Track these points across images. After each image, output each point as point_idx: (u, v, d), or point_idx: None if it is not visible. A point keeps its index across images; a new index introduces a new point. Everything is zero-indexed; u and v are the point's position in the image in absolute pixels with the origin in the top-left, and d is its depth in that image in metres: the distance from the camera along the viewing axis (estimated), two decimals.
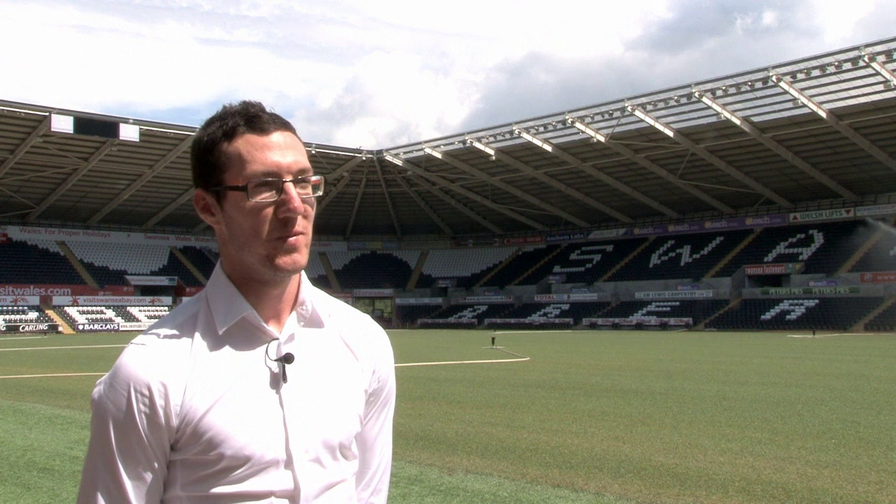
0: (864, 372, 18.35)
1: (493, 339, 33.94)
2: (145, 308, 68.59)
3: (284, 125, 1.28)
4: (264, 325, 1.28)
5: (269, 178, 1.23)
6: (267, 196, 1.23)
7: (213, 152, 1.26)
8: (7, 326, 59.39)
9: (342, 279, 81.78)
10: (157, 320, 1.33)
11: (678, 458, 7.71)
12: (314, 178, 1.28)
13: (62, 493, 6.37)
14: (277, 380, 1.26)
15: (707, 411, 11.24)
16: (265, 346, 1.27)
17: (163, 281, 72.39)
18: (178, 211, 74.39)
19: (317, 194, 1.29)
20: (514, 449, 8.25)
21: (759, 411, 11.21)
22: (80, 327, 62.55)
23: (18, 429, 9.75)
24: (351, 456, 1.33)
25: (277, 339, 1.28)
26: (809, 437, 8.94)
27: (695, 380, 16.36)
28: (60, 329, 61.39)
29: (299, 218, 1.24)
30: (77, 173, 63.51)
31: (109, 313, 66.29)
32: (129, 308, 67.84)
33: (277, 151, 1.24)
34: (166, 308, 69.43)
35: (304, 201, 1.25)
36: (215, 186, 1.26)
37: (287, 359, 1.26)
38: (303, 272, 1.33)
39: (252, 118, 1.25)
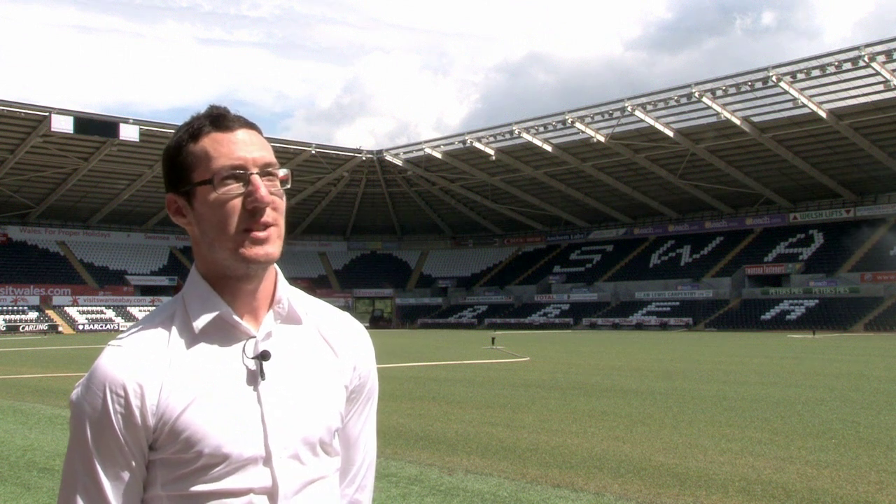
0: (864, 372, 18.35)
1: (493, 339, 33.94)
2: (145, 308, 68.49)
3: (249, 124, 1.30)
4: (241, 322, 1.28)
5: (236, 171, 1.24)
6: (233, 187, 1.24)
7: (181, 154, 1.28)
8: (7, 326, 59.40)
9: (342, 279, 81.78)
10: (135, 322, 1.34)
11: (678, 458, 7.71)
12: (281, 173, 1.29)
13: None
14: (255, 377, 1.26)
15: (707, 411, 11.24)
16: (242, 343, 1.28)
17: (163, 281, 72.41)
18: None
19: (285, 188, 1.30)
20: (514, 449, 8.25)
21: (759, 411, 11.21)
22: (80, 327, 62.56)
23: (18, 429, 9.75)
24: (333, 452, 1.32)
25: (254, 336, 1.28)
26: (809, 437, 8.94)
27: (695, 380, 16.36)
28: (60, 329, 61.40)
29: (268, 209, 1.25)
30: (77, 173, 63.53)
31: (109, 313, 66.29)
32: (129, 308, 67.83)
33: (242, 146, 1.26)
34: None
35: (272, 194, 1.26)
36: (184, 186, 1.27)
37: (264, 356, 1.26)
38: (279, 271, 1.34)
39: (216, 118, 1.28)
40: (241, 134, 1.27)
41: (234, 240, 1.24)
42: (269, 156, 1.28)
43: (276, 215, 1.27)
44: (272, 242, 1.26)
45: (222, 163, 1.24)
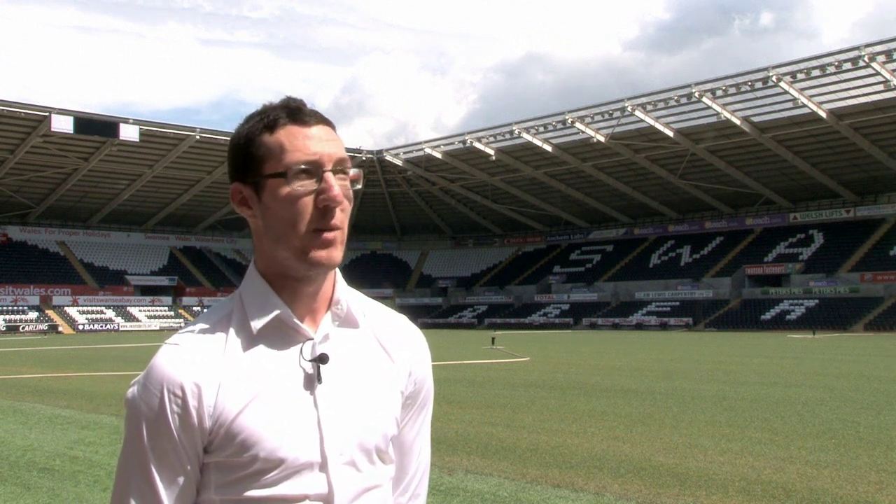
0: (864, 372, 18.35)
1: (493, 339, 33.93)
2: (145, 308, 68.57)
3: (325, 120, 1.27)
4: (299, 324, 1.25)
5: (310, 167, 1.21)
6: (307, 184, 1.21)
7: (254, 143, 1.24)
8: (7, 326, 59.37)
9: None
10: (192, 320, 1.31)
11: (678, 458, 7.71)
12: (353, 172, 1.27)
13: (62, 493, 6.37)
14: (312, 380, 1.23)
15: (707, 411, 11.24)
16: (300, 346, 1.25)
17: (163, 281, 72.37)
18: (178, 211, 74.41)
19: (356, 188, 1.27)
20: (514, 449, 8.25)
21: (759, 411, 11.21)
22: (80, 327, 62.53)
23: (18, 429, 9.75)
24: (388, 460, 1.30)
25: (312, 339, 1.25)
26: (809, 437, 8.94)
27: (695, 380, 16.36)
28: (60, 329, 61.37)
29: (337, 210, 1.22)
30: (77, 173, 63.50)
31: (109, 313, 66.27)
32: (129, 308, 67.82)
33: (318, 141, 1.23)
34: (166, 308, 69.53)
35: (343, 193, 1.24)
36: (254, 177, 1.24)
37: (322, 359, 1.23)
38: (338, 271, 1.31)
39: (294, 111, 1.25)
40: (317, 129, 1.24)
41: (301, 239, 1.21)
42: (342, 153, 1.25)
43: (343, 217, 1.24)
44: (336, 247, 1.23)
45: (297, 157, 1.21)
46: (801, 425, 9.86)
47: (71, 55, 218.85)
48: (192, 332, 1.25)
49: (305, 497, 1.19)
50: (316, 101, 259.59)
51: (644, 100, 54.77)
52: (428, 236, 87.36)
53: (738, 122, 54.03)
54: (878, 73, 46.04)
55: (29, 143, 56.96)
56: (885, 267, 56.60)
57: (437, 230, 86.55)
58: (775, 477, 6.85)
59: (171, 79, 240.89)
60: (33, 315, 62.78)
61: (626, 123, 57.21)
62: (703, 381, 16.13)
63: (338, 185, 1.22)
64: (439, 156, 67.47)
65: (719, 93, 51.54)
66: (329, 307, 1.29)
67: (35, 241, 70.45)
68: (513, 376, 17.52)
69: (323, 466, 1.20)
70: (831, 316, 54.50)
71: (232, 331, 1.24)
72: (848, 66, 45.98)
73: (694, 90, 51.62)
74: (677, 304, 63.81)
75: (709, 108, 52.97)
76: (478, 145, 63.62)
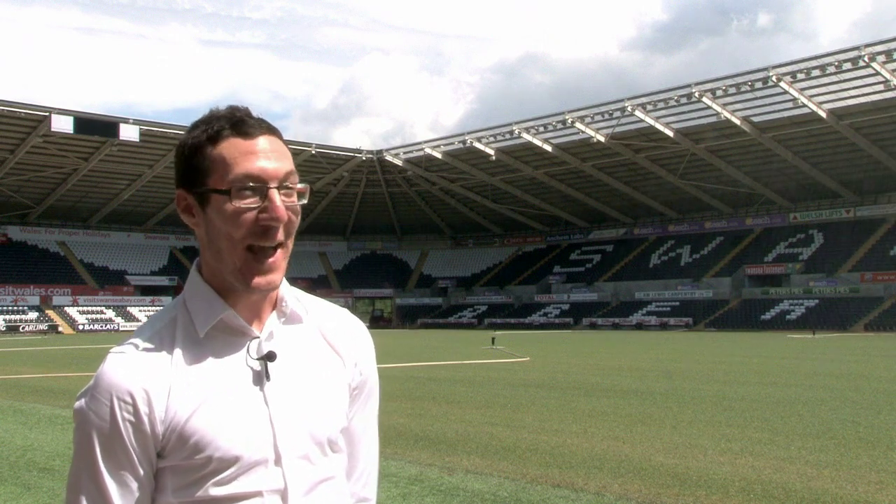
0: (864, 372, 18.34)
1: (493, 339, 33.91)
2: (145, 308, 68.53)
3: (271, 130, 1.27)
4: (245, 324, 1.26)
5: (254, 184, 1.21)
6: (250, 202, 1.20)
7: (197, 155, 1.24)
8: (7, 326, 59.38)
9: (342, 279, 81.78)
10: (136, 327, 1.32)
11: (678, 458, 7.71)
12: (299, 186, 1.26)
13: (62, 493, 6.37)
14: (260, 378, 1.25)
15: (707, 411, 11.24)
16: (246, 345, 1.26)
17: (163, 281, 72.36)
18: None
19: (301, 202, 1.27)
20: (514, 449, 8.25)
21: (759, 411, 11.21)
22: (80, 327, 62.54)
23: (18, 429, 9.75)
24: (339, 450, 1.32)
25: (258, 337, 1.27)
26: (809, 437, 8.94)
27: (695, 380, 16.36)
28: (60, 329, 61.38)
29: (280, 227, 1.22)
30: (77, 173, 63.51)
31: (109, 313, 66.28)
32: (129, 308, 67.81)
33: (262, 156, 1.22)
34: None
35: (287, 208, 1.23)
36: (198, 188, 1.24)
37: (269, 357, 1.25)
38: None
39: (237, 122, 1.24)
40: (262, 142, 1.24)
41: (241, 258, 1.22)
42: (288, 165, 1.25)
43: (287, 233, 1.24)
44: (277, 268, 1.24)
45: (240, 172, 1.20)
46: (801, 425, 9.86)
47: (72, 56, 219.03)
48: (138, 338, 1.25)
49: (261, 493, 1.21)
50: (314, 101, 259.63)
51: (644, 100, 54.79)
52: (428, 236, 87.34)
53: (738, 122, 54.05)
54: (877, 73, 46.06)
55: (29, 143, 56.96)
56: (885, 267, 56.60)
57: (437, 230, 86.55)
58: (775, 477, 6.85)
59: (172, 79, 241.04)
60: (33, 315, 62.78)
61: (626, 123, 57.22)
62: (703, 381, 16.12)
63: (282, 203, 1.22)
64: (439, 156, 67.47)
65: (719, 93, 51.56)
66: (274, 306, 1.31)
67: (35, 241, 70.46)
68: (513, 376, 17.51)
69: (277, 461, 1.22)
70: (831, 316, 54.51)
71: (178, 335, 1.25)
72: (848, 66, 45.99)
73: (694, 90, 51.64)
74: (677, 304, 63.82)
75: (709, 108, 53.00)
76: (478, 145, 63.63)
